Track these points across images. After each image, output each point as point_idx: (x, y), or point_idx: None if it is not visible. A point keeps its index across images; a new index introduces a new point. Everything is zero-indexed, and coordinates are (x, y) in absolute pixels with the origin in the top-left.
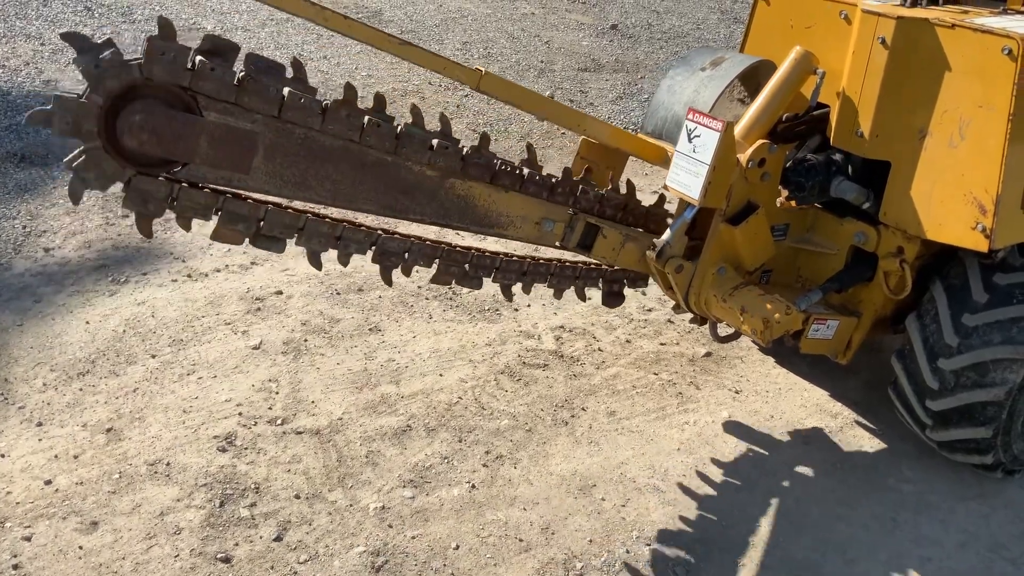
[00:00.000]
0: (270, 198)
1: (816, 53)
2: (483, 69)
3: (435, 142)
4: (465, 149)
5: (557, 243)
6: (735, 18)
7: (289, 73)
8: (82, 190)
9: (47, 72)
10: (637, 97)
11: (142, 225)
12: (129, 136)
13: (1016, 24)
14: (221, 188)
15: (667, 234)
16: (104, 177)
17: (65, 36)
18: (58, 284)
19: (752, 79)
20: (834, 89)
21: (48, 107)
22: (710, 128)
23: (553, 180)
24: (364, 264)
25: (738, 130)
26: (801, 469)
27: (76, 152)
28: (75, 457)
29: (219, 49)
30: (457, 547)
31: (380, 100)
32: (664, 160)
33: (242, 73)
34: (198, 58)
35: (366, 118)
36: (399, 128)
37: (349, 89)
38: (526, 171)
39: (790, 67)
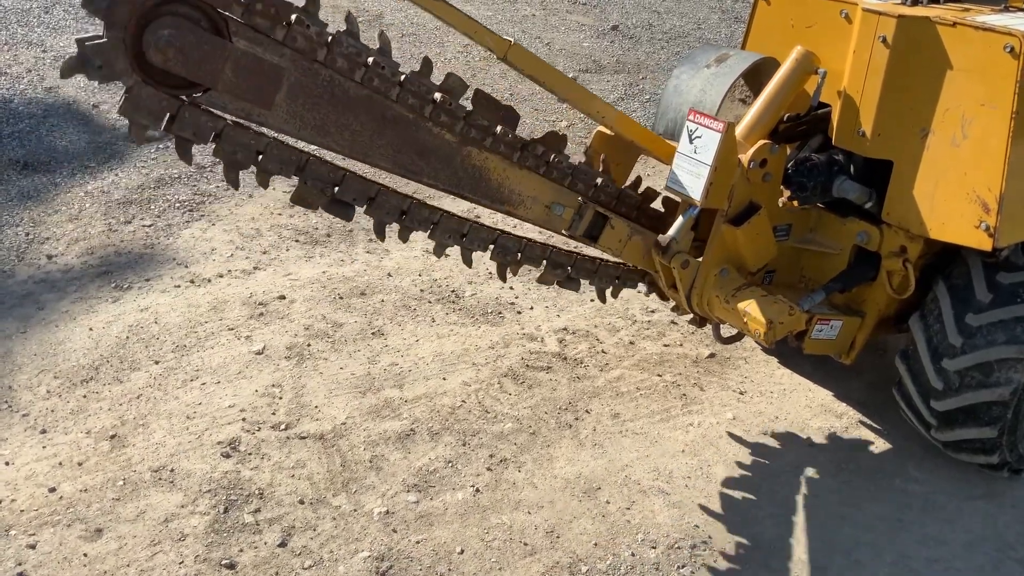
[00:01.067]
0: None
1: (817, 52)
2: (512, 40)
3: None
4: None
5: (564, 230)
6: (736, 17)
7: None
8: (74, 72)
9: (49, 79)
10: (639, 98)
11: (137, 135)
12: (155, 51)
13: (1018, 22)
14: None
15: (673, 229)
16: (111, 70)
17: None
18: (61, 291)
19: (755, 77)
20: (835, 88)
21: (74, 55)
22: (711, 129)
23: (569, 165)
24: (366, 268)
25: (739, 130)
26: (806, 470)
27: (95, 35)
28: (79, 464)
29: None
30: (462, 551)
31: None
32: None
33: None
34: None
35: (403, 76)
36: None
37: (382, 37)
38: (543, 151)
39: (791, 67)
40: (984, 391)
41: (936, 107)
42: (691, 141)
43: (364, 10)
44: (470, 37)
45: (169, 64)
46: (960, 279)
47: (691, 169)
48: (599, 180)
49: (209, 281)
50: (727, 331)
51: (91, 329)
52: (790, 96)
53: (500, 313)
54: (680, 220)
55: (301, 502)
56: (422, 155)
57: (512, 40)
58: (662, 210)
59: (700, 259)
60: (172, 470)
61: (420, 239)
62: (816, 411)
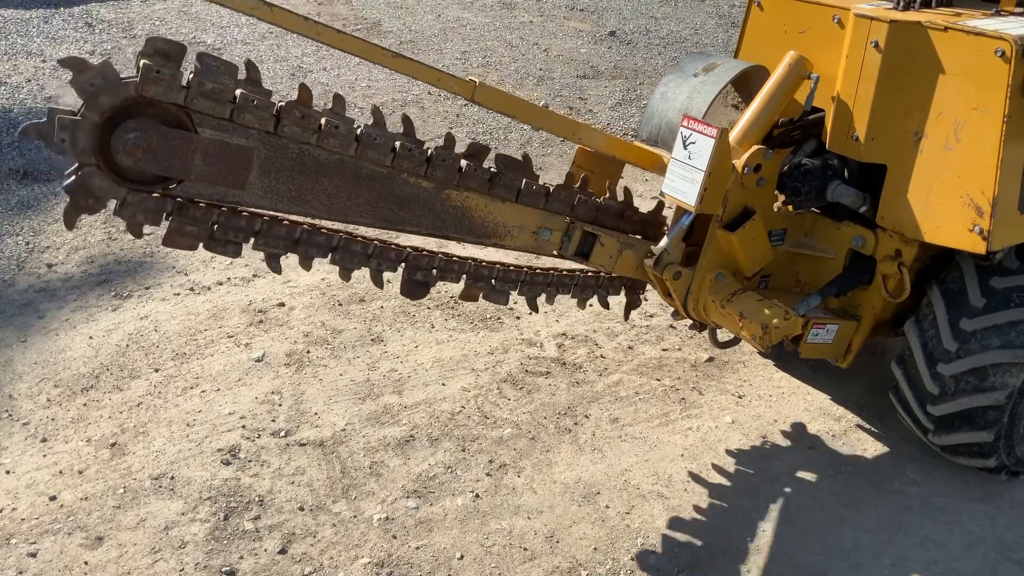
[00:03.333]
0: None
1: (810, 58)
2: (477, 80)
3: (431, 152)
4: (460, 162)
5: (555, 252)
6: (732, 22)
7: (242, 74)
8: (77, 216)
9: (49, 89)
10: (636, 103)
11: (136, 231)
12: (124, 154)
13: (1009, 26)
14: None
15: (664, 241)
16: (99, 198)
17: (63, 62)
18: (61, 300)
19: (744, 84)
20: (829, 93)
21: (43, 120)
22: (705, 134)
23: (550, 189)
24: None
25: (733, 136)
26: (805, 473)
27: (71, 170)
28: (80, 472)
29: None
30: (461, 557)
31: (377, 113)
32: (659, 167)
33: (237, 91)
34: (191, 75)
35: (359, 129)
36: (396, 145)
37: (338, 100)
38: (523, 181)
39: (784, 72)
40: (979, 395)
41: (929, 111)
42: (685, 147)
43: (363, 18)
44: (434, 85)
45: (139, 164)
46: (954, 283)
47: (685, 175)
48: (583, 197)
49: (208, 289)
50: (723, 336)
51: (91, 337)
52: (784, 101)
53: (499, 319)
54: (672, 231)
55: (301, 509)
56: (402, 206)
57: (476, 80)
58: (647, 211)
59: (692, 269)
60: (172, 478)
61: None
62: (814, 414)
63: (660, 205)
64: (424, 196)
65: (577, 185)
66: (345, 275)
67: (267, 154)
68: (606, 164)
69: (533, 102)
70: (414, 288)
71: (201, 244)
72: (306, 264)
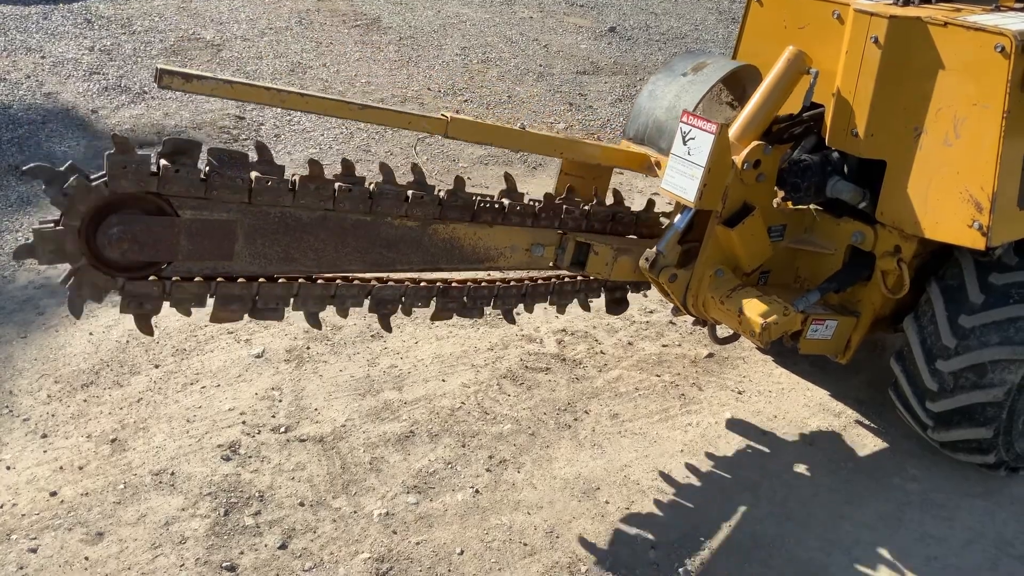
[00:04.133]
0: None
1: (810, 53)
2: (449, 115)
3: (410, 193)
4: (441, 193)
5: (550, 265)
6: (733, 18)
7: (253, 157)
8: (81, 305)
9: (48, 85)
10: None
11: (142, 325)
12: (110, 248)
13: (1009, 21)
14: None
15: (659, 244)
16: (98, 290)
17: (28, 171)
18: (61, 296)
19: (735, 84)
20: (828, 89)
21: (30, 241)
22: (705, 130)
23: (536, 204)
24: None
25: (732, 132)
26: (805, 469)
27: (66, 274)
28: (80, 468)
29: (181, 149)
30: (461, 552)
31: (347, 166)
32: (646, 167)
33: (207, 168)
34: (162, 162)
35: (337, 185)
36: (372, 187)
37: (314, 165)
38: (506, 202)
39: (783, 67)
40: (978, 392)
41: (928, 107)
42: (684, 142)
43: (362, 14)
44: (406, 128)
45: (127, 255)
46: (953, 280)
47: (685, 171)
48: (571, 207)
49: None
50: (723, 331)
51: (91, 334)
52: (783, 97)
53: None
54: (667, 233)
55: (301, 504)
56: (390, 247)
57: (448, 116)
58: (640, 210)
59: (688, 270)
60: (172, 473)
61: None
62: (814, 410)
63: (651, 203)
64: (411, 234)
65: (564, 194)
66: (561, 309)
67: (250, 223)
68: (594, 169)
69: (510, 125)
70: (615, 306)
71: (455, 314)
72: (530, 308)
